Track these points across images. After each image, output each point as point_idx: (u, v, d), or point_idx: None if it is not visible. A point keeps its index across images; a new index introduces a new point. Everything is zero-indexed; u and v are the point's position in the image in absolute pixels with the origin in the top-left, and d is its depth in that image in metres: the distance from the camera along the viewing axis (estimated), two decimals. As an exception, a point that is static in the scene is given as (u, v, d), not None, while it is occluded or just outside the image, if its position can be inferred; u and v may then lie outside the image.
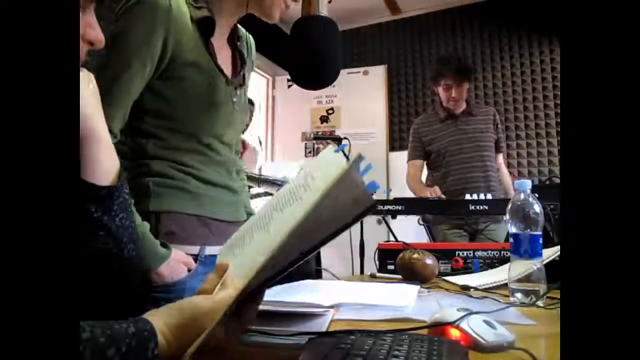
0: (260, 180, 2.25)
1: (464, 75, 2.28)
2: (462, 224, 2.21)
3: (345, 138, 2.25)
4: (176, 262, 0.87)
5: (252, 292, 0.49)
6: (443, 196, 2.06)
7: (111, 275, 0.58)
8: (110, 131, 0.80)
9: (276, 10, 0.95)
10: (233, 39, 1.03)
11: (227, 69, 0.99)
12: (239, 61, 1.04)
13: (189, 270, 0.89)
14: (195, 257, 0.92)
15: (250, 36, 1.12)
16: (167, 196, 0.89)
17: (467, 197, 1.56)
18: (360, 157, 0.44)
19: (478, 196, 1.53)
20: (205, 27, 0.91)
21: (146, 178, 0.89)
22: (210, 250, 0.94)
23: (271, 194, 2.28)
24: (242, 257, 0.56)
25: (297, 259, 0.47)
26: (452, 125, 2.32)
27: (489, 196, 1.54)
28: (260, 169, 2.61)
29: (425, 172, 2.47)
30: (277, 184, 2.20)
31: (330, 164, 0.49)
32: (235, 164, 1.05)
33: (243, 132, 1.11)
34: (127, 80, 0.83)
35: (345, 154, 0.49)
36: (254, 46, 1.13)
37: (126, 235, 0.58)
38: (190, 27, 0.88)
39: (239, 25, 1.05)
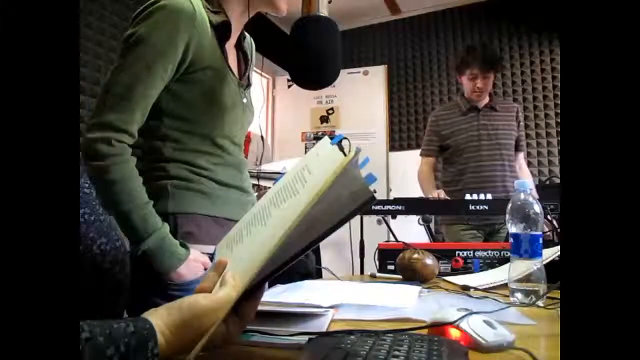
0: (258, 176, 2.23)
1: (491, 66, 2.17)
2: (478, 224, 2.12)
3: (345, 138, 2.24)
4: (194, 262, 0.88)
5: (252, 289, 0.49)
6: (447, 197, 2.03)
7: (84, 274, 0.56)
8: (127, 132, 0.83)
9: (282, 2, 0.97)
10: (239, 41, 1.06)
11: (236, 71, 1.01)
12: (244, 63, 1.07)
13: (205, 269, 0.91)
14: (211, 256, 0.93)
15: (249, 36, 1.13)
16: (185, 198, 0.91)
17: (467, 197, 1.56)
18: (357, 152, 0.44)
19: (478, 196, 1.53)
20: (222, 31, 0.93)
21: (164, 181, 0.91)
22: None
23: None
24: (241, 253, 0.55)
25: (297, 254, 0.47)
26: (474, 120, 2.22)
27: (489, 196, 1.54)
28: (259, 160, 2.55)
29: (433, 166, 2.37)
30: (274, 178, 2.18)
31: (327, 157, 0.49)
32: (245, 164, 1.08)
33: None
34: (147, 83, 0.83)
35: (341, 147, 0.49)
36: (254, 46, 1.15)
37: (93, 231, 0.57)
38: (209, 31, 0.90)
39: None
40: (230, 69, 0.96)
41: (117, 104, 0.82)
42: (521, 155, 2.30)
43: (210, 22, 0.90)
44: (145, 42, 0.83)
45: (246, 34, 1.11)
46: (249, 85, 1.05)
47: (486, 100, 2.25)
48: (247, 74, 1.06)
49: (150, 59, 0.83)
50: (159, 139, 0.92)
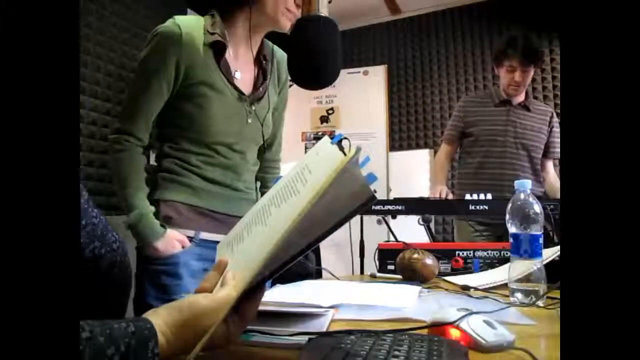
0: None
1: (532, 59, 2.04)
2: (489, 223, 2.04)
3: (345, 138, 2.24)
4: (171, 238, 1.02)
5: (253, 289, 0.49)
6: (450, 196, 2.01)
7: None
8: (133, 134, 1.03)
9: (282, 18, 1.04)
10: (259, 58, 1.15)
11: (245, 86, 1.11)
12: (262, 78, 1.15)
13: (183, 247, 1.04)
14: (190, 238, 1.06)
15: (281, 52, 1.20)
16: (170, 188, 1.06)
17: (467, 197, 1.55)
18: (358, 151, 0.44)
19: (478, 196, 1.53)
20: (217, 49, 1.04)
21: (156, 174, 1.07)
22: (205, 235, 1.08)
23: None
24: (241, 252, 0.56)
25: (298, 254, 0.47)
26: (503, 114, 2.11)
27: (489, 196, 1.54)
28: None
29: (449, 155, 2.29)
30: None
31: (327, 157, 0.49)
32: (246, 169, 1.16)
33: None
34: (147, 97, 1.02)
35: (341, 146, 0.49)
36: (285, 61, 1.20)
37: (85, 236, 0.57)
38: (201, 50, 1.03)
39: (268, 44, 1.17)
40: (232, 84, 1.06)
41: (124, 113, 1.05)
42: (549, 164, 2.19)
43: (205, 42, 1.02)
44: (144, 64, 1.02)
45: (278, 51, 1.19)
46: (260, 99, 1.13)
47: (522, 97, 2.13)
48: (260, 88, 1.13)
49: (148, 79, 1.01)
50: (163, 141, 1.09)
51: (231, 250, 0.60)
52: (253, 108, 1.12)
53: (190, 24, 1.03)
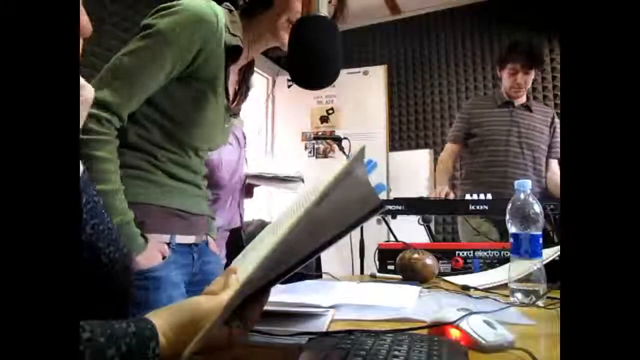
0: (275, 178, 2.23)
1: (533, 63, 2.15)
2: (496, 220, 2.06)
3: (345, 138, 2.25)
4: (151, 250, 0.89)
5: (257, 292, 0.49)
6: (451, 195, 2.02)
7: (91, 286, 0.55)
8: (118, 115, 0.84)
9: (282, 33, 0.98)
10: (246, 72, 1.09)
11: (230, 96, 1.05)
12: (244, 95, 1.10)
13: (163, 258, 0.92)
14: (167, 244, 0.95)
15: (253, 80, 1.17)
16: (136, 187, 0.92)
17: (467, 197, 1.55)
18: (362, 150, 0.44)
19: (478, 196, 1.53)
20: (232, 54, 0.96)
21: (120, 169, 0.90)
22: (179, 239, 0.97)
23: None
24: (251, 259, 0.56)
25: (305, 259, 0.47)
26: (506, 115, 2.18)
27: (489, 196, 1.54)
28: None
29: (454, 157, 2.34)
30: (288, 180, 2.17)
31: (338, 167, 0.50)
32: (201, 171, 1.09)
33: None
34: (151, 74, 0.85)
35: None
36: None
37: (102, 240, 0.56)
38: (222, 49, 0.93)
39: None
40: (227, 93, 1.00)
41: (118, 86, 0.84)
42: (554, 163, 2.23)
43: (225, 42, 0.93)
44: (162, 36, 0.85)
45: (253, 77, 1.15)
46: (236, 115, 1.09)
47: (523, 99, 2.22)
48: (239, 105, 1.09)
49: (162, 54, 0.85)
50: (129, 121, 0.91)
51: (243, 257, 0.61)
52: (229, 122, 1.07)
53: (223, 19, 0.92)
